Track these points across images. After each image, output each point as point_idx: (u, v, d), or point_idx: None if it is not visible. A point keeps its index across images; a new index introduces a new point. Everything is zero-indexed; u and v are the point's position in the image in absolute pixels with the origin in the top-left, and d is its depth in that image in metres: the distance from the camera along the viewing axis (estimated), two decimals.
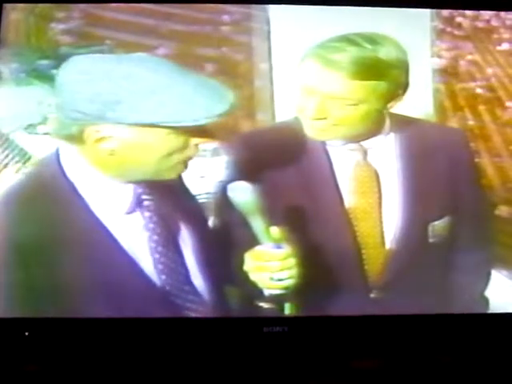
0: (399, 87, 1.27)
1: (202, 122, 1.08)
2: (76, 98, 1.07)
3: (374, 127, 1.31)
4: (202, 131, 1.11)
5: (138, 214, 1.17)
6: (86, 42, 1.40)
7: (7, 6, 1.39)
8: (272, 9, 1.42)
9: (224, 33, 1.43)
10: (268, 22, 1.42)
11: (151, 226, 1.17)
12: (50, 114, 1.33)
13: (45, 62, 1.37)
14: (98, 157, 1.11)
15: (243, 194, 1.11)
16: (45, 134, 1.34)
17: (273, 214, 1.14)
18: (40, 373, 1.27)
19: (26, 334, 1.27)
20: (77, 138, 1.10)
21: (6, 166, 1.32)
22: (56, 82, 1.13)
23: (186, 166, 1.16)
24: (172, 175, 1.16)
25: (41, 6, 1.41)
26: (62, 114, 1.10)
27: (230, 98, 1.10)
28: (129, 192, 1.16)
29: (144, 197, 1.16)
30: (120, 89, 1.06)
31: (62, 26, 1.41)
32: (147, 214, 1.17)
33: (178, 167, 1.15)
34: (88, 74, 1.08)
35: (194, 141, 1.12)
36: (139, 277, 1.16)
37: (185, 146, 1.12)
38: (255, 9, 1.43)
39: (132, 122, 1.08)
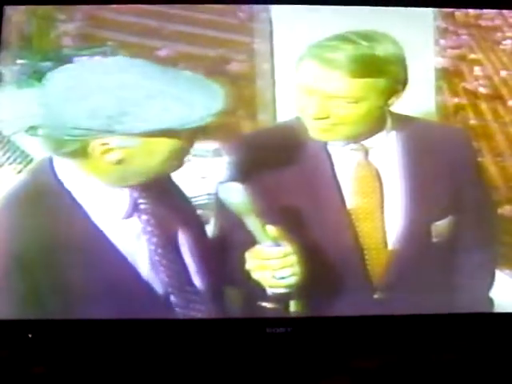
0: (398, 83, 1.26)
1: (205, 121, 1.09)
2: (73, 115, 1.06)
3: (375, 126, 1.30)
4: (202, 130, 1.12)
5: (135, 218, 1.17)
6: (88, 43, 1.40)
7: (8, 8, 1.39)
8: (274, 9, 1.41)
9: (226, 33, 1.42)
10: (270, 23, 1.41)
11: (149, 228, 1.17)
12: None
13: (47, 63, 1.37)
14: (101, 167, 1.11)
15: (235, 195, 1.12)
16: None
17: (274, 215, 1.15)
18: (47, 375, 1.27)
19: (30, 335, 1.27)
20: (80, 153, 1.10)
21: (7, 167, 1.32)
22: (42, 103, 1.11)
23: (181, 164, 1.18)
24: (167, 172, 1.18)
25: (43, 7, 1.41)
26: (58, 132, 1.08)
27: (221, 93, 1.12)
28: (125, 197, 1.16)
29: (140, 200, 1.16)
30: (119, 100, 1.06)
31: (64, 28, 1.41)
32: (145, 217, 1.17)
33: (174, 165, 1.17)
34: (78, 90, 1.07)
35: (194, 140, 1.14)
36: (139, 281, 1.16)
37: (185, 146, 1.14)
38: (257, 9, 1.42)
39: (141, 132, 1.08)
